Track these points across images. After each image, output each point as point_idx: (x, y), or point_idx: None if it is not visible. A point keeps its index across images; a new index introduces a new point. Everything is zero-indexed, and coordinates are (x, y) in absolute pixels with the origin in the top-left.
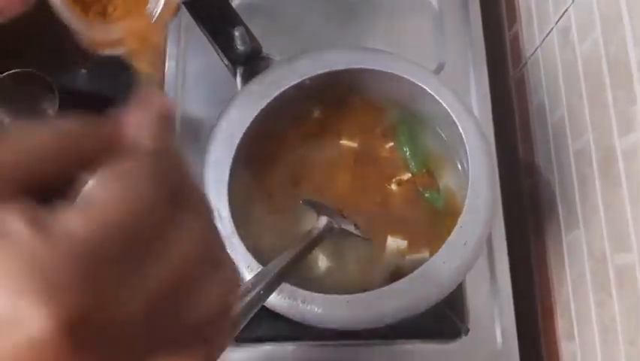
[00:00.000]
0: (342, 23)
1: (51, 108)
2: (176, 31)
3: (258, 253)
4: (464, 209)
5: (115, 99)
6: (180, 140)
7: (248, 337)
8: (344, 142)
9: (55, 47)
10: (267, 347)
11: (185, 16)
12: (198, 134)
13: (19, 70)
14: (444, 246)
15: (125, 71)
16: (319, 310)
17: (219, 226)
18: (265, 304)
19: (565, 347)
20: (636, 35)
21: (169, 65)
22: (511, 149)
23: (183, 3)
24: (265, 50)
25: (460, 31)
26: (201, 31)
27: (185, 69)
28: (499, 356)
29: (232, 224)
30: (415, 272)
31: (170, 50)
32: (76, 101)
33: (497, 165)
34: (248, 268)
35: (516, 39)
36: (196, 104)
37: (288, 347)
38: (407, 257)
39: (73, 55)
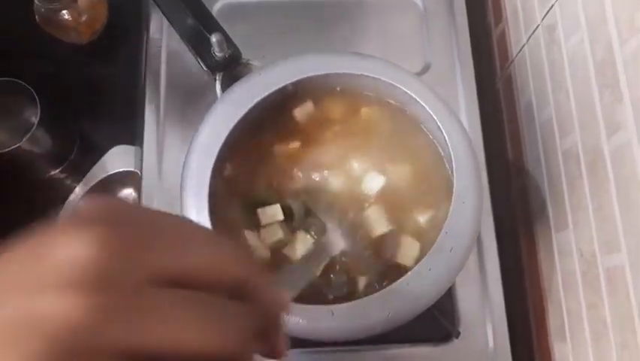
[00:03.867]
0: (326, 26)
1: (33, 117)
2: (159, 32)
3: None
4: (449, 214)
5: (97, 110)
6: (163, 147)
7: None
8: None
9: (38, 56)
10: (257, 356)
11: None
12: (180, 140)
13: (0, 79)
14: (430, 252)
15: (107, 82)
16: (304, 322)
17: None
18: None
19: (557, 349)
20: (621, 33)
21: (150, 67)
22: (499, 149)
23: (160, 8)
24: (248, 56)
25: (445, 31)
26: (179, 36)
27: (167, 71)
28: (492, 358)
29: None
30: (401, 280)
31: (151, 52)
32: (59, 111)
33: (486, 165)
34: None
35: (503, 37)
36: (178, 107)
37: None
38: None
39: (57, 64)
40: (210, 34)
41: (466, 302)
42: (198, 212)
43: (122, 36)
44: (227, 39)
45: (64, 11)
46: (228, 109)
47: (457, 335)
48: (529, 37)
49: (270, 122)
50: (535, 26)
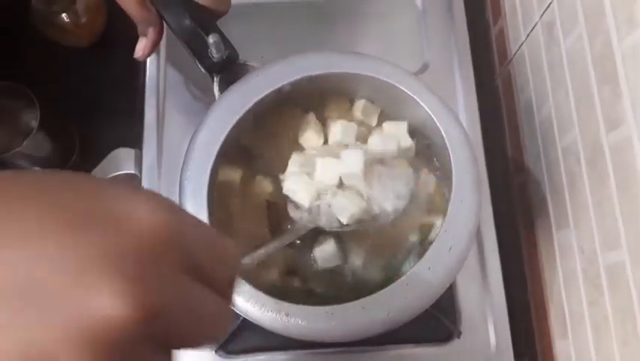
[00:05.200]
0: (324, 26)
1: (33, 121)
2: None
3: None
4: (448, 213)
5: (96, 113)
6: (162, 149)
7: (238, 348)
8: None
9: (37, 59)
10: (258, 357)
11: None
12: (180, 142)
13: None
14: (429, 251)
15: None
16: (304, 323)
17: None
18: (249, 318)
19: (559, 347)
20: (620, 27)
21: (150, 70)
22: (499, 147)
23: (157, 9)
24: (247, 57)
25: (444, 29)
26: (176, 38)
27: (166, 74)
28: (494, 357)
29: None
30: (400, 280)
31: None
32: (59, 115)
33: (485, 163)
34: None
35: (501, 35)
36: (177, 109)
37: (279, 357)
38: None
39: (56, 67)
40: (207, 36)
41: (467, 301)
42: (197, 213)
43: (121, 39)
44: (224, 40)
45: (63, 14)
46: (226, 110)
47: (459, 334)
48: (528, 34)
49: (269, 120)
50: (533, 23)
